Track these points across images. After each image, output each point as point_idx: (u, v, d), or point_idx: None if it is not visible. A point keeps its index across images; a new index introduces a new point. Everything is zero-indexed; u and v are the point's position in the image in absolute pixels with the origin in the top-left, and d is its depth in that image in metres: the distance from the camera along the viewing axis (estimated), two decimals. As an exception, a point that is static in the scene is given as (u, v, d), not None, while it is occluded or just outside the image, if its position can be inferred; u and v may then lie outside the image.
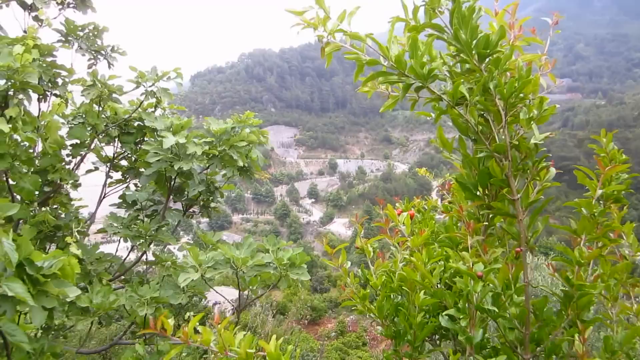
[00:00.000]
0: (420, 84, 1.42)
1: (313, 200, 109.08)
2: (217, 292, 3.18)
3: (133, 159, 3.57)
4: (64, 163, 3.11)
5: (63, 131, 3.14)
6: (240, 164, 3.25)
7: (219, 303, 12.98)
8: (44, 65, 2.84)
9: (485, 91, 1.45)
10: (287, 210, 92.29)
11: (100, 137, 3.33)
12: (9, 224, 2.78)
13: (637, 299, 1.77)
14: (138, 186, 3.68)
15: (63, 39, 3.41)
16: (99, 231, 3.41)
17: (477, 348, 1.50)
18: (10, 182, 2.74)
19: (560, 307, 1.52)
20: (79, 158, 3.33)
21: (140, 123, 3.44)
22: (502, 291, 1.50)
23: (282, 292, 22.39)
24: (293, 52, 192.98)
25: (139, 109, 3.42)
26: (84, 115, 3.27)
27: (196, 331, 1.43)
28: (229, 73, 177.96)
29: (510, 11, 1.61)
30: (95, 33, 3.51)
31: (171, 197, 3.50)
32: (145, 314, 2.73)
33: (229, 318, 1.76)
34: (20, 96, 2.58)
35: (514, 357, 1.52)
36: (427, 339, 1.84)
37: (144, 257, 3.44)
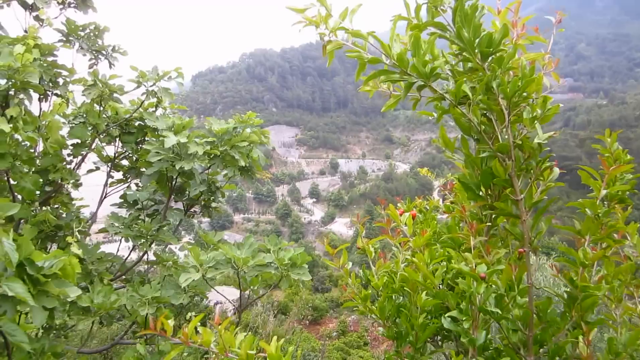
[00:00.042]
0: (423, 83, 1.41)
1: (314, 200, 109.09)
2: (218, 293, 3.17)
3: (134, 158, 3.57)
4: (65, 163, 3.11)
5: (64, 131, 3.14)
6: (242, 163, 3.25)
7: (221, 303, 12.99)
8: (45, 65, 2.84)
9: (488, 90, 1.43)
10: (289, 210, 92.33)
11: (101, 136, 3.33)
12: (10, 224, 2.78)
13: (641, 300, 1.76)
14: (139, 186, 3.67)
15: (64, 38, 3.41)
16: (101, 231, 3.41)
17: (479, 350, 1.49)
18: (11, 181, 2.74)
19: (564, 309, 1.51)
20: (80, 158, 3.33)
21: (141, 123, 3.44)
22: (505, 292, 1.49)
23: (284, 292, 22.39)
24: (294, 52, 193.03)
25: (140, 109, 3.42)
26: (84, 115, 3.26)
27: (197, 332, 1.42)
28: (231, 73, 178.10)
29: (513, 9, 1.60)
30: (96, 33, 3.50)
31: (172, 196, 3.50)
32: (147, 314, 2.73)
33: (230, 318, 1.75)
34: (21, 96, 2.57)
35: (517, 359, 1.51)
36: (429, 340, 1.82)
37: (145, 257, 3.43)
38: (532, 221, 1.53)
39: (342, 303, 2.19)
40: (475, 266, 1.45)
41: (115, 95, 3.31)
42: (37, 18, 3.30)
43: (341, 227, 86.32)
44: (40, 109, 3.03)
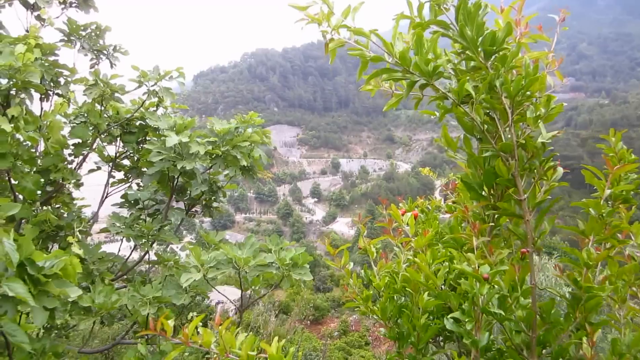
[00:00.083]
0: (425, 82, 1.40)
1: (316, 199, 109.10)
2: (219, 293, 3.17)
3: (135, 158, 3.57)
4: (66, 162, 3.11)
5: (65, 130, 3.14)
6: (244, 163, 3.24)
7: (222, 302, 12.99)
8: (46, 64, 2.84)
9: (491, 89, 1.42)
10: (290, 210, 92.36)
11: (103, 136, 3.33)
12: (11, 224, 2.78)
13: (645, 301, 1.74)
14: (140, 186, 3.67)
15: (65, 38, 3.41)
16: (102, 231, 3.41)
17: (482, 351, 1.48)
18: (13, 181, 2.74)
19: (567, 310, 1.49)
20: (81, 157, 3.32)
21: (142, 122, 3.43)
22: (508, 293, 1.48)
23: (285, 292, 22.40)
24: (296, 52, 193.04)
25: (142, 109, 3.41)
26: (86, 115, 3.26)
27: (197, 332, 1.41)
28: (232, 72, 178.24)
29: (517, 8, 1.58)
30: (98, 33, 3.50)
31: (174, 196, 3.50)
32: (148, 314, 2.72)
33: (231, 319, 1.74)
34: (22, 95, 2.57)
35: None
36: (431, 340, 1.81)
37: (146, 257, 3.43)
38: (536, 221, 1.52)
39: (343, 303, 2.19)
40: (478, 267, 1.44)
41: (116, 94, 3.31)
42: (38, 18, 3.30)
43: (342, 226, 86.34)
44: (42, 108, 3.03)
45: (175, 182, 3.40)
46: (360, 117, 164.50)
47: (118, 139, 3.46)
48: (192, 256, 2.70)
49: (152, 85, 3.25)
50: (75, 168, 3.27)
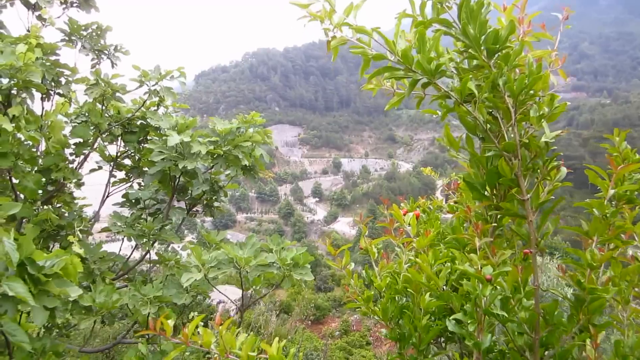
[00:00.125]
0: (427, 80, 1.39)
1: (317, 199, 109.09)
2: (220, 292, 3.16)
3: (136, 157, 3.56)
4: (67, 162, 3.11)
5: (66, 130, 3.14)
6: (245, 163, 3.24)
7: (224, 302, 13.00)
8: (47, 64, 2.84)
9: (494, 88, 1.41)
10: (291, 209, 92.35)
11: (104, 136, 3.33)
12: (12, 223, 2.78)
13: (649, 302, 1.73)
14: (142, 185, 3.67)
15: (66, 38, 3.41)
16: (103, 230, 3.41)
17: (484, 352, 1.46)
18: (14, 180, 2.74)
19: (570, 311, 1.48)
20: (82, 157, 3.32)
21: (143, 122, 3.43)
22: (511, 295, 1.46)
23: (286, 292, 22.40)
24: (297, 51, 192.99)
25: (143, 108, 3.41)
26: (87, 114, 3.26)
27: (197, 332, 1.41)
28: (233, 72, 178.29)
29: (520, 6, 1.57)
30: (99, 32, 3.50)
31: (175, 196, 3.49)
32: (148, 313, 2.72)
33: (231, 319, 1.73)
34: (24, 95, 2.57)
35: (522, 361, 1.48)
36: (432, 342, 1.80)
37: (147, 256, 3.43)
38: (539, 222, 1.50)
39: (344, 302, 2.18)
40: (481, 268, 1.43)
41: (117, 94, 3.30)
42: (39, 17, 3.30)
43: (344, 226, 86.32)
44: (43, 108, 3.03)
45: (177, 181, 3.40)
46: (362, 116, 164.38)
47: (119, 138, 3.46)
48: (193, 256, 2.70)
49: (153, 85, 3.25)
50: (76, 167, 3.27)
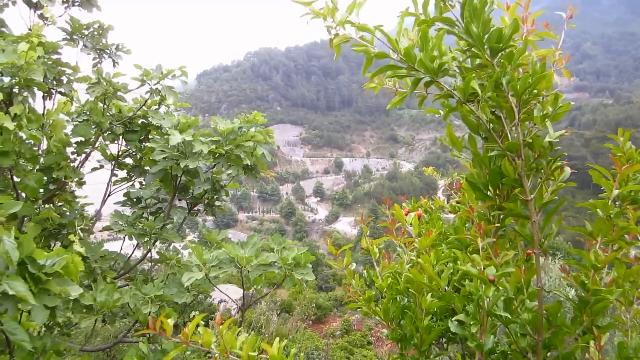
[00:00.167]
0: (430, 79, 1.37)
1: (319, 198, 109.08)
2: (221, 292, 3.16)
3: (138, 156, 3.56)
4: (68, 161, 3.11)
5: (68, 129, 3.13)
6: (247, 162, 3.23)
7: (225, 301, 13.00)
8: (49, 62, 2.84)
9: (497, 87, 1.39)
10: (293, 209, 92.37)
11: (105, 134, 3.32)
12: (14, 221, 2.78)
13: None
14: (143, 184, 3.67)
15: (68, 37, 3.41)
16: (104, 229, 3.41)
17: (486, 353, 1.45)
18: (15, 179, 2.74)
19: (574, 313, 1.47)
20: (83, 156, 3.32)
21: (144, 121, 3.43)
22: (514, 296, 1.45)
23: (287, 291, 22.40)
24: (299, 51, 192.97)
25: (145, 107, 3.41)
26: (88, 113, 3.26)
27: (198, 332, 1.40)
28: (235, 71, 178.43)
29: (523, 5, 1.56)
30: (100, 31, 3.50)
31: (176, 195, 3.49)
32: (149, 312, 2.72)
33: (232, 318, 1.73)
34: (25, 93, 2.57)
35: (525, 362, 1.47)
36: (434, 342, 1.79)
37: (148, 255, 3.43)
38: (542, 222, 1.49)
39: (346, 302, 2.17)
40: (484, 268, 1.42)
41: (119, 93, 3.30)
42: (41, 16, 3.30)
43: (345, 226, 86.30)
44: (44, 106, 3.03)
45: (178, 180, 3.39)
46: (364, 116, 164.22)
47: (121, 137, 3.45)
48: (194, 255, 2.69)
49: (155, 84, 3.24)
50: (77, 166, 3.27)
